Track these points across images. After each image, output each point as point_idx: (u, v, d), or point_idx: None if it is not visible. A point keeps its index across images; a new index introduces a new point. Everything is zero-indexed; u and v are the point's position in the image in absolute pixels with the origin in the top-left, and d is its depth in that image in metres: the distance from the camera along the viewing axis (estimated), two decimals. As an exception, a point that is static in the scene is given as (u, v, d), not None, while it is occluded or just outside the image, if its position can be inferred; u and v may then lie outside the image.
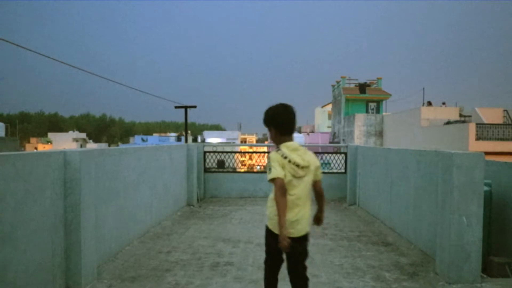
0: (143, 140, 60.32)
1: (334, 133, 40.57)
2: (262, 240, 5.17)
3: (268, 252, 3.14)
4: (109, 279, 4.06)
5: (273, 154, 3.02)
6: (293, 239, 2.87)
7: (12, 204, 2.93)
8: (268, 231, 3.03)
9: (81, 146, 70.75)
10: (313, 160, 3.04)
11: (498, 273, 4.11)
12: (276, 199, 2.88)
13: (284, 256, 3.02)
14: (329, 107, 48.92)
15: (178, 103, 31.71)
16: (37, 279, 3.23)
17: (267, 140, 64.18)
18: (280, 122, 3.11)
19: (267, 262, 3.17)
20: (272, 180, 2.92)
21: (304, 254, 3.03)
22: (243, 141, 72.80)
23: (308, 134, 49.98)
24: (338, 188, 9.52)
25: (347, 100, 36.99)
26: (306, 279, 3.05)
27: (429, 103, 30.49)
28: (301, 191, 2.98)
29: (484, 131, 21.36)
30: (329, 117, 49.91)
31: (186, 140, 34.42)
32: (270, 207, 3.00)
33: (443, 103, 29.89)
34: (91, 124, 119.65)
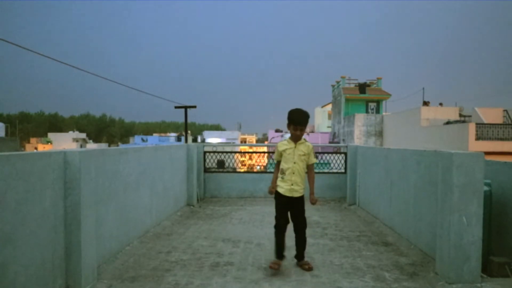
0: (143, 140, 60.37)
1: (334, 133, 40.58)
2: (262, 240, 5.23)
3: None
4: (109, 279, 4.06)
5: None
6: None
7: (12, 204, 2.93)
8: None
9: (81, 146, 70.76)
10: None
11: (498, 273, 4.11)
12: (314, 175, 4.61)
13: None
14: (329, 107, 48.95)
15: (178, 103, 31.76)
16: (37, 279, 3.23)
17: (266, 140, 64.18)
18: None
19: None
20: (313, 164, 4.52)
21: None
22: (243, 141, 72.83)
23: (308, 134, 49.90)
24: (338, 188, 9.53)
25: (347, 100, 36.99)
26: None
27: (425, 103, 30.46)
28: None
29: (484, 131, 21.37)
30: (329, 117, 49.94)
31: (186, 140, 34.44)
32: (302, 183, 4.42)
33: (440, 104, 29.88)
34: (91, 124, 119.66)
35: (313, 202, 4.51)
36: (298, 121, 4.35)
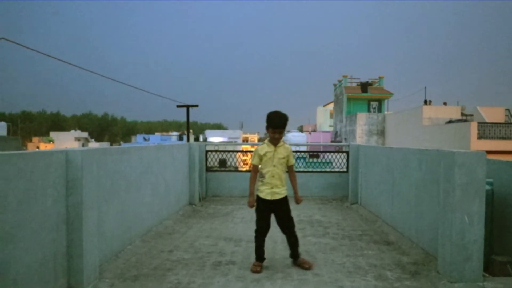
0: (145, 139, 60.33)
1: (336, 132, 40.57)
2: (264, 239, 5.09)
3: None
4: (111, 278, 4.07)
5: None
6: None
7: (14, 203, 2.94)
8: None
9: (83, 145, 70.86)
10: None
11: (500, 272, 4.11)
12: (295, 175, 4.60)
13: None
14: (331, 106, 48.95)
15: (180, 102, 31.71)
16: (39, 278, 3.24)
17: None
18: None
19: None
20: (293, 164, 4.55)
21: None
22: (245, 140, 72.82)
23: (310, 133, 49.92)
24: (340, 187, 9.53)
25: (349, 99, 37.01)
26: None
27: (426, 102, 30.43)
28: None
29: (486, 130, 21.36)
30: (331, 116, 49.95)
31: (188, 139, 34.43)
32: (283, 184, 4.42)
33: (444, 103, 29.86)
34: (93, 123, 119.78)
35: (298, 202, 4.55)
36: (276, 124, 4.30)
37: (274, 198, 4.38)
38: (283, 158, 4.41)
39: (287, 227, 4.49)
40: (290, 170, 4.57)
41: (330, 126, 49.32)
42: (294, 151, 11.88)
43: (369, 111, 36.18)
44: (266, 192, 4.39)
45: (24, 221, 3.05)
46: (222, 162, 10.80)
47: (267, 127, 4.36)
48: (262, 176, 4.41)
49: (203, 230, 6.20)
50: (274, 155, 4.37)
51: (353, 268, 4.45)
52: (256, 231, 4.47)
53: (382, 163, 6.88)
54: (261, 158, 4.41)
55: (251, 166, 4.56)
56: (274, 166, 4.37)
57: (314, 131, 55.00)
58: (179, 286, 3.91)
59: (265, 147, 4.41)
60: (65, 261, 3.61)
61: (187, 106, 30.98)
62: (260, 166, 4.44)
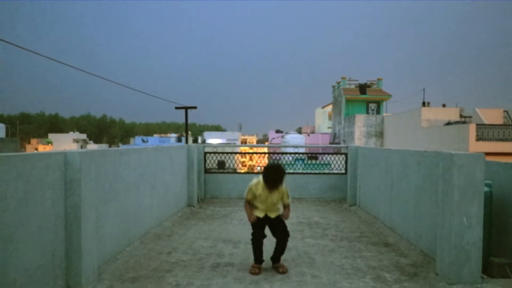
0: (143, 141, 60.31)
1: (335, 134, 40.58)
2: (263, 241, 5.14)
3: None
4: (110, 279, 4.06)
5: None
6: None
7: (13, 205, 2.94)
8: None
9: (81, 147, 70.77)
10: None
11: (498, 273, 4.12)
12: (289, 209, 4.58)
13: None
14: (330, 108, 48.93)
15: (179, 104, 31.74)
16: (38, 280, 3.23)
17: (267, 141, 64.19)
18: None
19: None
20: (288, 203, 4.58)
21: None
22: (244, 142, 72.82)
23: (308, 135, 49.90)
24: (338, 189, 9.54)
25: (347, 101, 37.02)
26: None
27: (424, 104, 30.48)
28: None
29: (485, 132, 21.38)
30: (330, 118, 49.91)
31: (187, 141, 34.42)
32: (277, 211, 4.51)
33: (443, 105, 29.91)
34: (91, 125, 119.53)
35: (283, 217, 4.52)
36: (272, 180, 4.34)
37: (267, 216, 4.50)
38: (277, 200, 4.49)
39: (281, 239, 4.53)
40: (284, 207, 4.58)
41: (329, 128, 49.28)
42: (292, 153, 11.92)
43: (367, 112, 36.19)
44: (259, 212, 4.52)
45: (23, 223, 3.04)
46: (221, 164, 10.80)
47: (263, 180, 4.38)
48: (256, 207, 4.53)
49: (201, 232, 6.20)
50: (268, 199, 4.44)
51: (352, 270, 4.45)
52: (252, 239, 4.54)
53: (381, 165, 6.88)
54: (255, 196, 4.49)
55: (245, 199, 4.63)
56: (268, 205, 4.47)
57: (313, 132, 54.96)
58: (178, 288, 3.91)
59: (259, 189, 4.43)
60: (63, 263, 3.61)
61: (186, 108, 30.99)
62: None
